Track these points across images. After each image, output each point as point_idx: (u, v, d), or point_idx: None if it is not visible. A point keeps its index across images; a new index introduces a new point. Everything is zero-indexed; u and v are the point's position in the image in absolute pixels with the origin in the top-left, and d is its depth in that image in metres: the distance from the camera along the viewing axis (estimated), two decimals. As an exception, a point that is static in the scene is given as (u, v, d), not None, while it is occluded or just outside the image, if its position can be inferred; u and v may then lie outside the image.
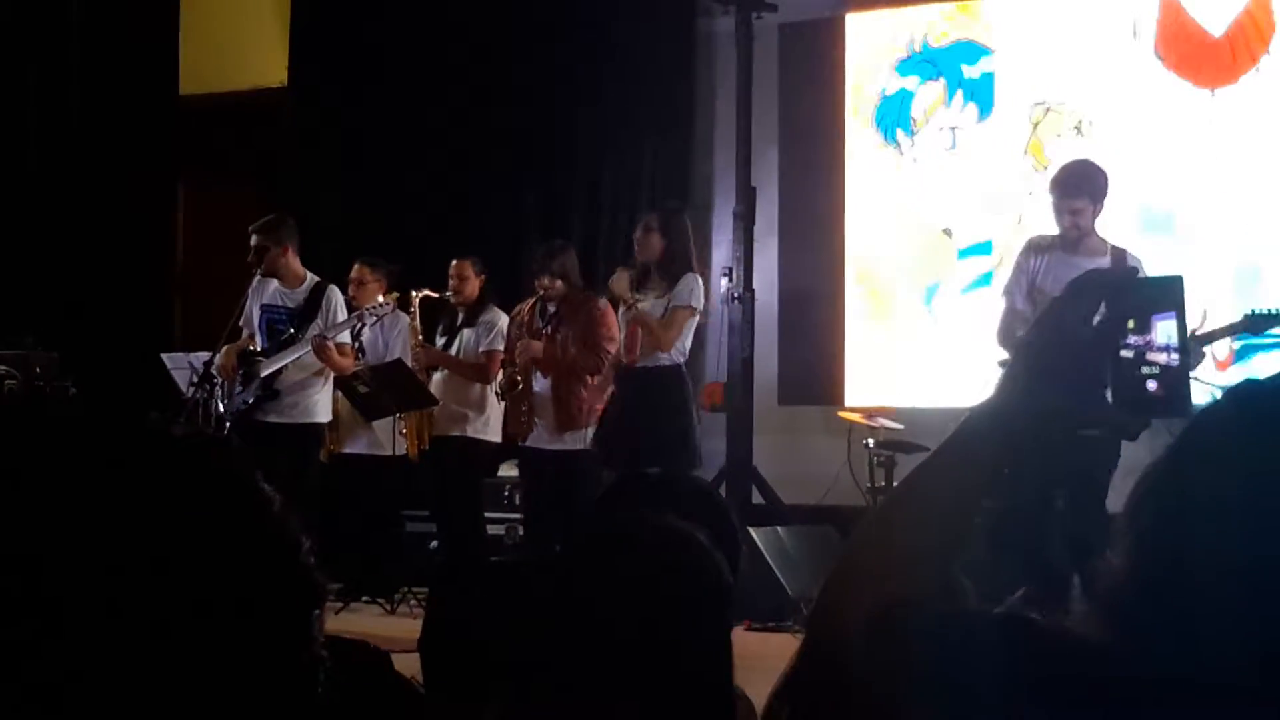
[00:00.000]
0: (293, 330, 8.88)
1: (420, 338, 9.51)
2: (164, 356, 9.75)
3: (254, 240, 8.85)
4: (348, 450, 9.80)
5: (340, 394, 9.38)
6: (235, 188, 12.55)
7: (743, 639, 6.34)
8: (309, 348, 8.75)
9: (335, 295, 9.07)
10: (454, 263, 9.51)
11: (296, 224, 9.16)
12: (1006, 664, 1.36)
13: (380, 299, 9.30)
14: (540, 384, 9.00)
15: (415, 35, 11.97)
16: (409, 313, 9.58)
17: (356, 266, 9.86)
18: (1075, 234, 7.14)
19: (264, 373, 8.78)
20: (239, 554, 1.01)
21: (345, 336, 9.13)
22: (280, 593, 1.03)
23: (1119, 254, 7.24)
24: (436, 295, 9.53)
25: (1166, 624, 1.27)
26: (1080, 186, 7.17)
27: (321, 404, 9.06)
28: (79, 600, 0.96)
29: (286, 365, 8.79)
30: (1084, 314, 1.58)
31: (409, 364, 9.35)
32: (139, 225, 11.78)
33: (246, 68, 12.78)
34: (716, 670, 2.04)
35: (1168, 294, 1.59)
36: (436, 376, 9.49)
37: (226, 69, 12.74)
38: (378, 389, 9.17)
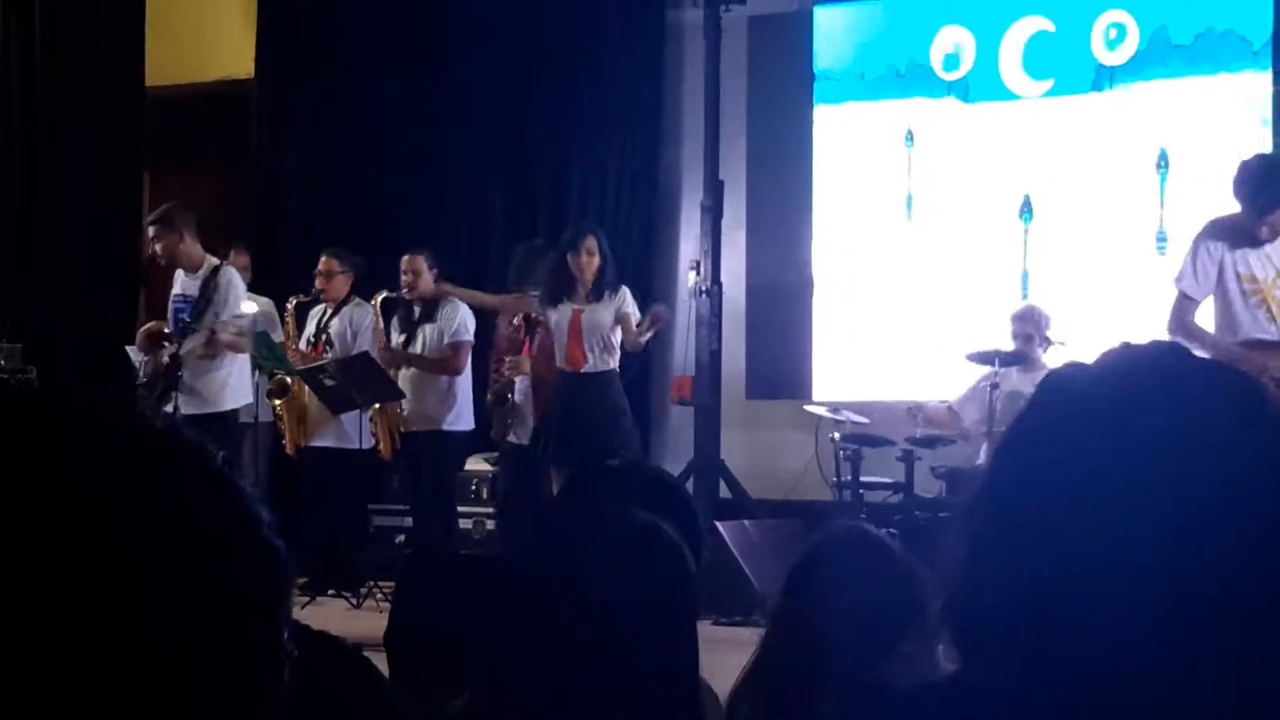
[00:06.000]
0: (187, 320, 8.86)
1: (385, 340, 9.47)
2: (129, 349, 9.71)
3: (150, 233, 8.99)
4: (315, 443, 9.77)
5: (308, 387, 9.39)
6: (202, 179, 12.49)
7: (710, 634, 6.34)
8: (200, 338, 8.81)
9: (227, 276, 8.98)
10: (405, 258, 9.49)
11: (192, 213, 9.22)
12: None
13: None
14: (521, 386, 9.20)
15: (383, 28, 11.93)
16: (372, 312, 9.59)
17: (324, 258, 9.84)
18: (1272, 237, 7.11)
19: (164, 359, 8.84)
20: (206, 539, 1.00)
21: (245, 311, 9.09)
22: (246, 579, 1.02)
23: None
24: (395, 295, 9.54)
25: (1003, 610, 1.24)
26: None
27: (229, 391, 8.96)
28: (46, 587, 0.95)
29: (181, 356, 8.79)
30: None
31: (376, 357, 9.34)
32: (105, 217, 11.73)
33: (214, 60, 12.74)
34: (683, 661, 2.04)
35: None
36: (404, 373, 9.49)
37: (193, 61, 12.69)
38: (344, 382, 9.15)
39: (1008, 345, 9.28)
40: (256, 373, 9.68)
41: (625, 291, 8.88)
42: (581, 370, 8.71)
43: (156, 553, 0.98)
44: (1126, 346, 1.31)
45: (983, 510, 1.28)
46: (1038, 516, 1.23)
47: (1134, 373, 1.27)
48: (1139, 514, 1.19)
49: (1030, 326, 9.24)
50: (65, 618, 0.95)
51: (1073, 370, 1.30)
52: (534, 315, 9.08)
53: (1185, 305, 7.21)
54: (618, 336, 8.78)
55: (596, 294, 8.72)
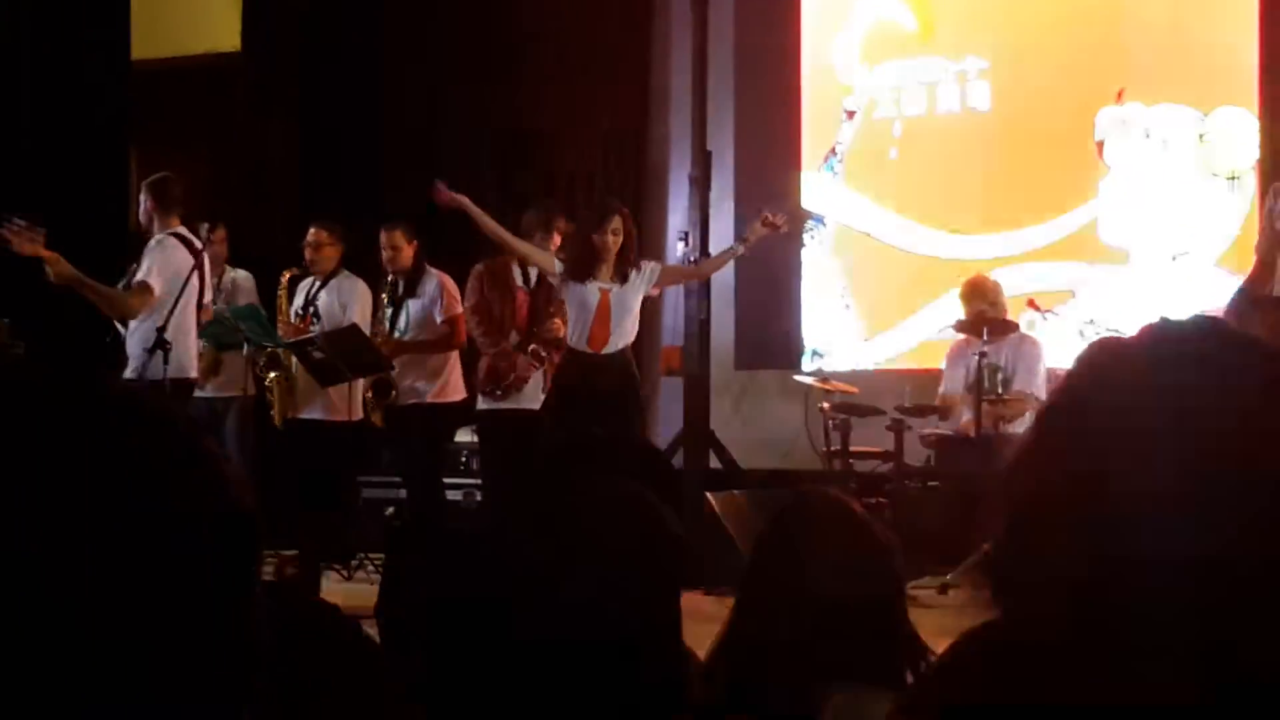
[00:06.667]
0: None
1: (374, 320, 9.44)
2: (118, 323, 9.70)
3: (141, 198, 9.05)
4: (303, 415, 9.76)
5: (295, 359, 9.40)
6: (189, 153, 12.46)
7: (700, 605, 6.34)
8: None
9: (152, 242, 8.83)
10: (384, 234, 9.46)
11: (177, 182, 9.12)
12: None
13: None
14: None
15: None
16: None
17: (312, 229, 9.80)
18: None
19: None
20: (171, 503, 1.01)
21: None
22: (213, 542, 1.02)
23: None
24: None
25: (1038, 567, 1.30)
26: None
27: (171, 359, 8.82)
28: (9, 551, 0.96)
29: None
30: None
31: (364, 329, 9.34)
32: (92, 191, 11.70)
33: (200, 32, 12.70)
34: (667, 627, 2.05)
35: None
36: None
37: (180, 34, 12.65)
38: (331, 354, 9.14)
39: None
40: (245, 346, 9.69)
41: (648, 265, 8.81)
42: (601, 351, 8.66)
43: (120, 517, 0.99)
44: (1165, 321, 1.38)
45: (1029, 469, 1.35)
46: (1086, 472, 1.30)
47: (1172, 345, 1.35)
48: (1181, 474, 1.27)
49: (981, 302, 9.16)
50: (28, 582, 0.95)
51: (1114, 341, 1.38)
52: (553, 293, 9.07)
53: (1258, 262, 7.59)
54: (635, 320, 8.73)
55: (621, 275, 8.63)
